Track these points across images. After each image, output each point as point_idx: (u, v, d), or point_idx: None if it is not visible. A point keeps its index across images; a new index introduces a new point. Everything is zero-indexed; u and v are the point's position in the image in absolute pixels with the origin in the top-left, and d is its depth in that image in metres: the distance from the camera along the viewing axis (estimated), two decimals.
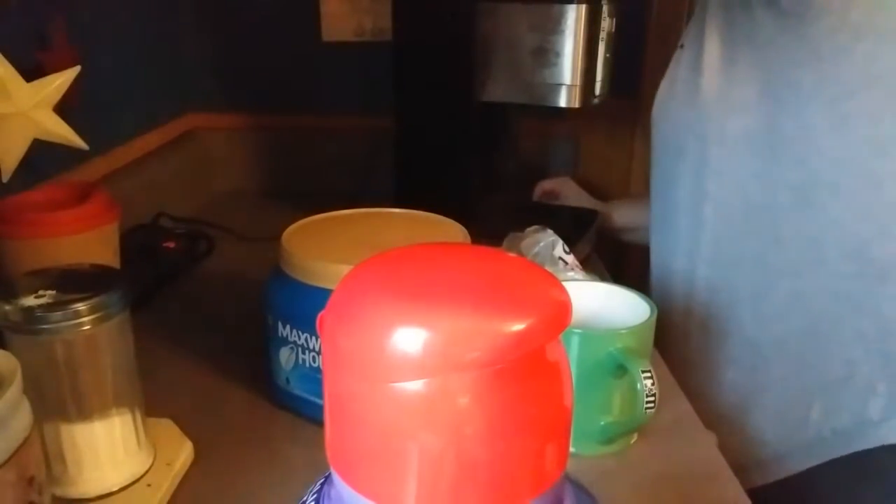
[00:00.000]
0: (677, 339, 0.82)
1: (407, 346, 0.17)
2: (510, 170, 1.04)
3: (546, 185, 1.09)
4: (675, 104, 0.81)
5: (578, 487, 0.21)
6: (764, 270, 0.74)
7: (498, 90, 0.87)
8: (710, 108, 0.75)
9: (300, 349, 0.56)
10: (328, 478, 0.21)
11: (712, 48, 0.76)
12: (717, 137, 0.75)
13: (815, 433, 0.73)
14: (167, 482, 0.50)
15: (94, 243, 0.65)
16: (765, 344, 0.75)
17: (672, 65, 0.82)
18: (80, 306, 0.43)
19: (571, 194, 1.07)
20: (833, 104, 0.67)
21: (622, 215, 1.03)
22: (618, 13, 0.86)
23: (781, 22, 0.70)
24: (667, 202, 0.84)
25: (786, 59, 0.70)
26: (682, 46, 0.81)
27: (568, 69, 0.82)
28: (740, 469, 0.73)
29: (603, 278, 0.79)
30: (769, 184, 0.72)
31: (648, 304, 0.57)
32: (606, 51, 0.85)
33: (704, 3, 0.78)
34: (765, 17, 0.71)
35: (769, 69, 0.71)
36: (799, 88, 0.69)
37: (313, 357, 0.55)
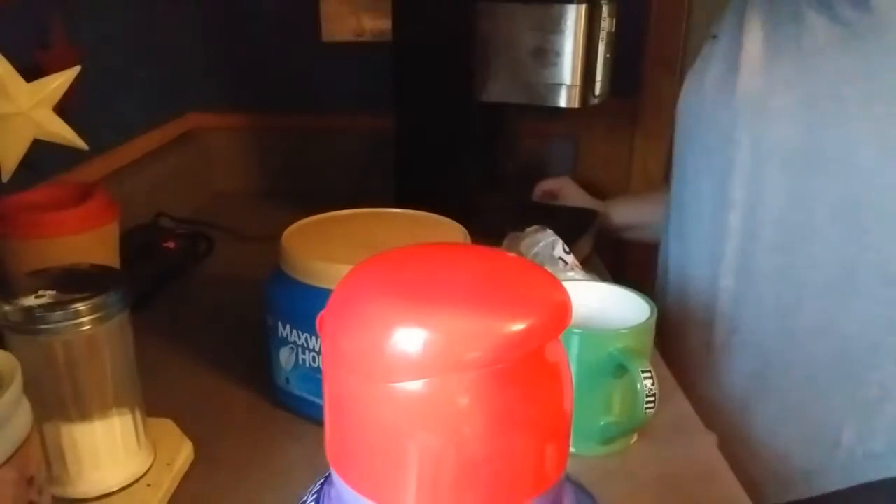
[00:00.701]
0: (695, 351, 0.79)
1: (407, 346, 0.17)
2: (510, 170, 1.04)
3: (546, 185, 1.09)
4: (705, 101, 0.76)
5: (578, 487, 0.21)
6: (794, 288, 0.71)
7: (498, 90, 0.87)
8: (744, 112, 0.71)
9: (300, 349, 0.56)
10: (328, 478, 0.21)
11: (752, 47, 0.71)
12: (750, 143, 0.70)
13: (848, 455, 0.71)
14: (167, 482, 0.50)
15: (94, 243, 0.65)
16: (793, 363, 0.72)
17: (703, 57, 0.78)
18: (80, 306, 0.43)
19: (571, 194, 1.07)
20: (880, 124, 0.64)
21: (621, 213, 1.02)
22: (618, 13, 0.86)
23: (834, 31, 0.66)
24: (687, 204, 0.80)
25: (834, 70, 0.66)
26: (715, 37, 0.76)
27: (568, 69, 0.82)
28: (766, 485, 0.71)
29: (603, 278, 0.79)
30: (805, 199, 0.68)
31: (648, 304, 0.57)
32: (606, 51, 0.85)
33: None
34: (815, 23, 0.67)
35: (814, 78, 0.67)
36: (845, 103, 0.65)
37: (313, 357, 0.55)
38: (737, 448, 0.72)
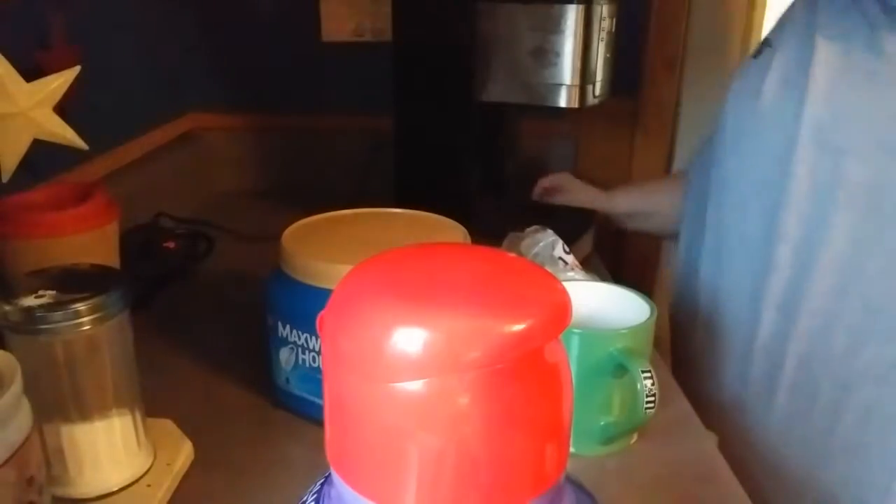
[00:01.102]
0: (733, 384, 0.76)
1: (407, 346, 0.17)
2: (510, 170, 1.04)
3: (546, 181, 1.07)
4: (761, 123, 0.70)
5: (578, 487, 0.21)
6: (848, 332, 0.66)
7: (498, 90, 0.87)
8: (807, 144, 0.65)
9: (300, 349, 0.56)
10: (328, 478, 0.21)
11: (821, 71, 0.65)
12: (810, 178, 0.65)
13: None
14: (167, 482, 0.50)
15: (94, 243, 0.65)
16: (844, 408, 0.68)
17: (756, 66, 0.72)
18: (80, 306, 0.43)
19: (574, 187, 1.04)
20: None
21: (626, 201, 0.99)
22: (617, 13, 0.86)
23: None
24: (729, 227, 0.76)
25: None
26: (769, 45, 0.71)
27: (568, 69, 0.82)
28: None
29: (603, 278, 0.79)
30: (864, 243, 0.64)
31: (648, 304, 0.57)
32: (606, 51, 0.85)
33: (813, 5, 0.68)
34: (894, 52, 0.61)
35: (888, 115, 0.62)
36: None
37: (313, 357, 0.55)
38: (777, 487, 0.70)
